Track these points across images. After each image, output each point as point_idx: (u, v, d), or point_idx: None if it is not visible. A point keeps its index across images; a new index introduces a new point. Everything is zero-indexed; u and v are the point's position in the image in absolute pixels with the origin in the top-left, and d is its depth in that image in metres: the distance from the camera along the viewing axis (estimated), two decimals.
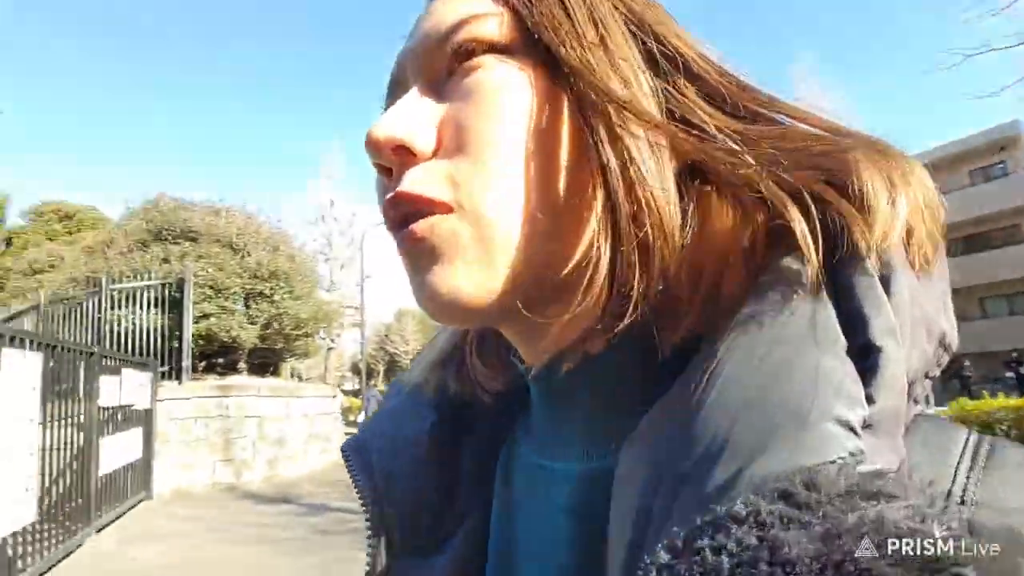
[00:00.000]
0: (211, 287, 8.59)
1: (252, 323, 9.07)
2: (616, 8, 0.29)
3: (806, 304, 0.23)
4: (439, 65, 0.30)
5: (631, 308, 0.26)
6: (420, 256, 0.29)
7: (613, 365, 0.30)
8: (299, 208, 23.55)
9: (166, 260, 8.85)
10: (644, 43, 0.29)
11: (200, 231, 9.41)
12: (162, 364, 7.78)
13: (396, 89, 0.32)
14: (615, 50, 0.28)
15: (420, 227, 0.28)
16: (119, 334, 7.81)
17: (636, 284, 0.26)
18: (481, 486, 0.36)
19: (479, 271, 0.28)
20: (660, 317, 0.27)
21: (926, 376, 0.25)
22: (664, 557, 0.20)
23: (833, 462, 0.19)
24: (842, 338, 0.22)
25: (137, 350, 7.76)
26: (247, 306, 9.21)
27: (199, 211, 9.93)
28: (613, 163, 0.26)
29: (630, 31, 0.29)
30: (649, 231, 0.26)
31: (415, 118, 0.29)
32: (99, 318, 7.81)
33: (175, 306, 8.22)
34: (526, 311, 0.28)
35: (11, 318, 8.37)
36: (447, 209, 0.28)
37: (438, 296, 0.28)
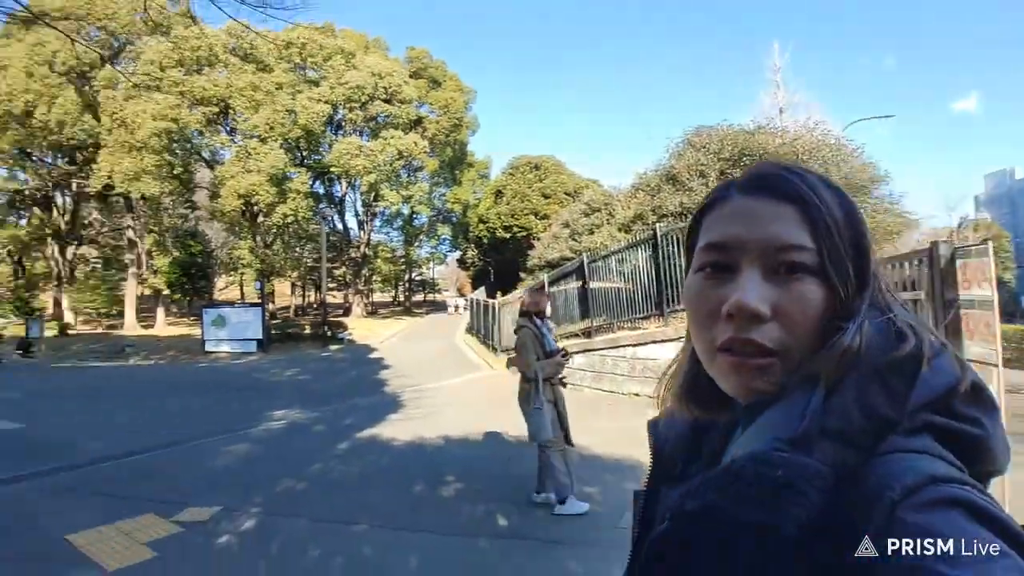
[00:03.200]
0: None
1: None
2: (863, 253, 0.56)
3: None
4: (771, 263, 0.54)
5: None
6: (749, 372, 0.54)
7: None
8: None
9: None
10: (861, 266, 0.55)
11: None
12: None
13: (722, 251, 0.57)
14: (854, 278, 0.54)
15: (759, 361, 0.53)
16: None
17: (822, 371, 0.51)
18: (711, 457, 0.62)
19: (772, 385, 0.53)
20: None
21: None
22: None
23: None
24: None
25: None
26: None
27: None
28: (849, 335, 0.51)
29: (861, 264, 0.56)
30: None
31: (766, 298, 0.53)
32: None
33: None
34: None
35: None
36: (774, 355, 0.53)
37: (750, 394, 0.54)
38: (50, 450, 7.24)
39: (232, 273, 34.47)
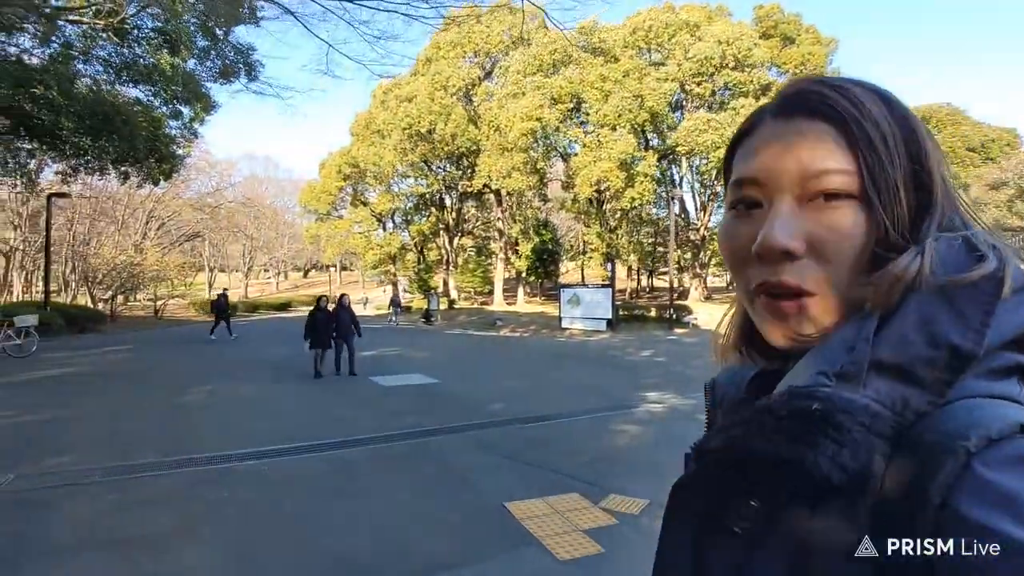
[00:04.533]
0: None
1: None
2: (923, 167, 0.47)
3: None
4: (807, 190, 0.46)
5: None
6: (787, 316, 0.47)
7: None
8: None
9: None
10: (921, 185, 0.47)
11: None
12: None
13: (752, 186, 0.49)
14: (907, 205, 0.46)
15: (792, 303, 0.46)
16: None
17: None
18: None
19: (815, 329, 0.46)
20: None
21: None
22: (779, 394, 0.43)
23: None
24: None
25: None
26: None
27: None
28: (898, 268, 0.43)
29: (917, 182, 0.47)
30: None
31: (796, 232, 0.46)
32: None
33: None
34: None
35: None
36: (811, 295, 0.46)
37: (792, 341, 0.47)
38: (462, 406, 8.31)
39: (579, 257, 37.08)
